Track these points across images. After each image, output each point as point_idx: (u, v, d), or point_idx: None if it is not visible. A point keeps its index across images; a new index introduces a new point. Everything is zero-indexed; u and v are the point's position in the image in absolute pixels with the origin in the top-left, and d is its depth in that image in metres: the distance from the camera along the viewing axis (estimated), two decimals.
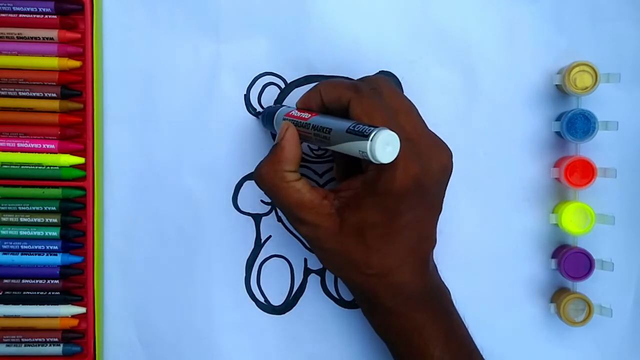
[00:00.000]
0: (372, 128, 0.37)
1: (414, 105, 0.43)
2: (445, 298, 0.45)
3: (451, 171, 0.43)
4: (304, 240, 0.50)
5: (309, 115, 0.42)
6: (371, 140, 0.37)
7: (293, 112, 0.44)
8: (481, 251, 0.50)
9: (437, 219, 0.43)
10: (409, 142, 0.40)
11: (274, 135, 0.49)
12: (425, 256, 0.43)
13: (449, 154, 0.42)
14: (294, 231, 0.50)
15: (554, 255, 0.49)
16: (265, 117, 0.47)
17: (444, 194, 0.43)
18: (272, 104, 0.49)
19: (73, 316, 0.49)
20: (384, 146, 0.37)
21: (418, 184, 0.39)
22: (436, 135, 0.43)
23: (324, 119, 0.41)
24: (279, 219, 0.50)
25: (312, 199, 0.41)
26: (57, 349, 0.49)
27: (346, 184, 0.42)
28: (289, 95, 0.49)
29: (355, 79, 0.45)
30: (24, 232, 0.48)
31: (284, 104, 0.48)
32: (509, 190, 0.49)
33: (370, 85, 0.41)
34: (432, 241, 0.43)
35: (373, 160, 0.37)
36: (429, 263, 0.44)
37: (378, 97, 0.40)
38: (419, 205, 0.41)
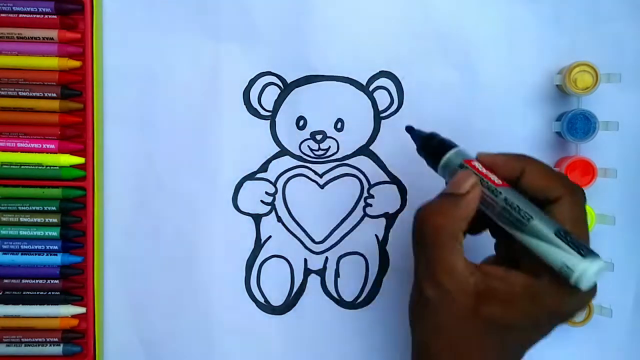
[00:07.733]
0: (590, 249, 0.34)
1: None
2: None
3: None
4: (304, 241, 0.50)
5: (500, 181, 0.37)
6: (590, 262, 0.33)
7: (475, 163, 0.38)
8: (481, 251, 0.49)
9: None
10: None
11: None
12: None
13: None
14: (294, 231, 0.50)
15: None
16: (434, 149, 0.40)
17: None
18: (272, 104, 0.49)
19: (73, 316, 0.49)
20: (595, 275, 0.33)
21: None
22: None
23: (522, 199, 0.36)
24: (279, 219, 0.50)
25: (463, 270, 0.37)
26: (57, 349, 0.49)
27: (498, 270, 0.37)
28: (289, 95, 0.49)
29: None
30: (24, 232, 0.48)
31: (286, 102, 0.48)
32: None
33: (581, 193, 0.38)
34: None
35: (571, 281, 0.33)
36: None
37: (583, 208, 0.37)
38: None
